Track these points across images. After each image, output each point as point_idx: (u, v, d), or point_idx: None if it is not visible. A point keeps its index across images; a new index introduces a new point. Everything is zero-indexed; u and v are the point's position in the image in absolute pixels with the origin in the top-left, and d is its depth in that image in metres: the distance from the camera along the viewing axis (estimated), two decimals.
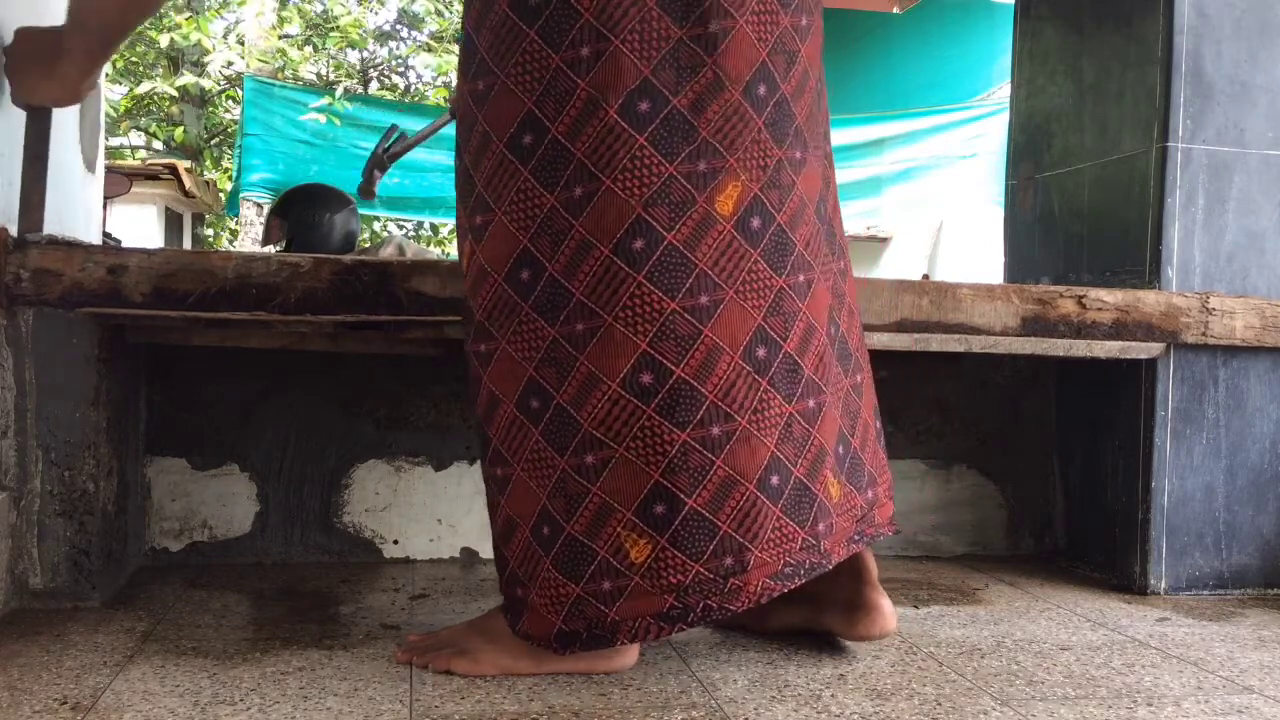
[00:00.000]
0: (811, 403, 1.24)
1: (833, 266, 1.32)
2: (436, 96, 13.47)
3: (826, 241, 1.31)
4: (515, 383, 1.22)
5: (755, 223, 1.21)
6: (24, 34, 1.46)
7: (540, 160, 1.19)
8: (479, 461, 1.30)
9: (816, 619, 1.40)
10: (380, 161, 1.47)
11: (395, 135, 1.44)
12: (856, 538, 1.32)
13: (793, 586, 1.22)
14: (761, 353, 1.21)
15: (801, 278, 1.24)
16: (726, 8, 1.19)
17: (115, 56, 12.21)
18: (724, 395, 1.19)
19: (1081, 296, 1.79)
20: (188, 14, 12.01)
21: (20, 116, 1.53)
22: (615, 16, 1.17)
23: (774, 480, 1.21)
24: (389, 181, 5.70)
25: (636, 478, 1.18)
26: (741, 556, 1.19)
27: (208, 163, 13.82)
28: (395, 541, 1.90)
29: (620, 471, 1.18)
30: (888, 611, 1.34)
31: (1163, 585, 1.85)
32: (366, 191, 1.45)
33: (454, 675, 1.28)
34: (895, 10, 7.15)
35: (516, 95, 1.20)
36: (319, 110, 7.13)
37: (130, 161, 11.23)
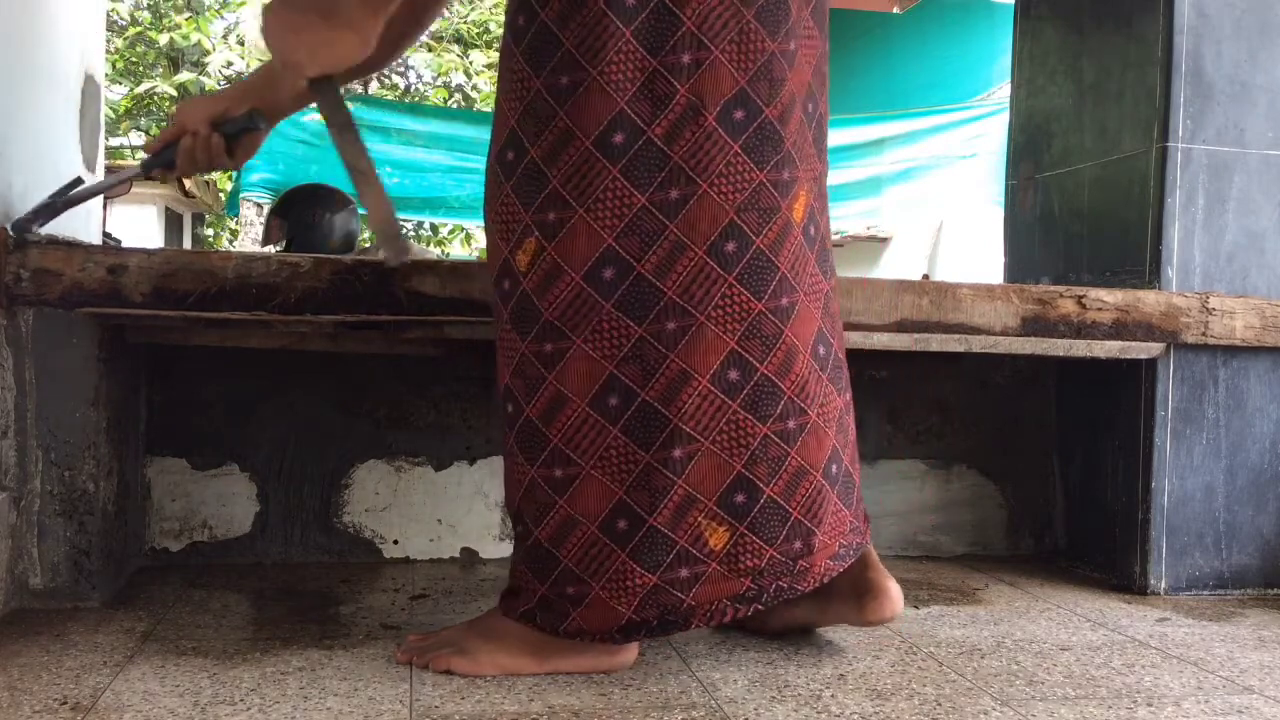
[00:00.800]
0: (842, 401, 1.35)
1: (823, 286, 1.35)
2: (436, 96, 13.47)
3: (819, 261, 1.34)
4: (591, 381, 1.23)
5: (812, 230, 1.31)
6: None
7: (632, 160, 1.21)
8: (526, 467, 1.27)
9: (823, 611, 1.42)
10: (52, 206, 1.42)
11: (72, 181, 1.41)
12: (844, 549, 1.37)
13: (845, 567, 1.31)
14: (822, 351, 1.30)
15: (830, 285, 1.36)
16: (798, 29, 1.26)
17: (115, 57, 12.21)
18: (799, 392, 1.26)
19: (1081, 296, 1.79)
20: (188, 14, 12.01)
21: (22, 115, 1.53)
22: (716, 27, 1.20)
23: (834, 469, 1.30)
24: (389, 182, 5.70)
25: (720, 469, 1.23)
26: (809, 540, 1.27)
27: None
28: (395, 541, 1.90)
29: (705, 464, 1.23)
30: (895, 594, 1.36)
31: (1163, 585, 1.85)
32: (23, 231, 1.36)
33: (454, 675, 1.28)
34: (895, 10, 7.15)
35: (609, 94, 1.20)
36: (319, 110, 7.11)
37: (130, 161, 11.23)
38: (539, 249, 1.23)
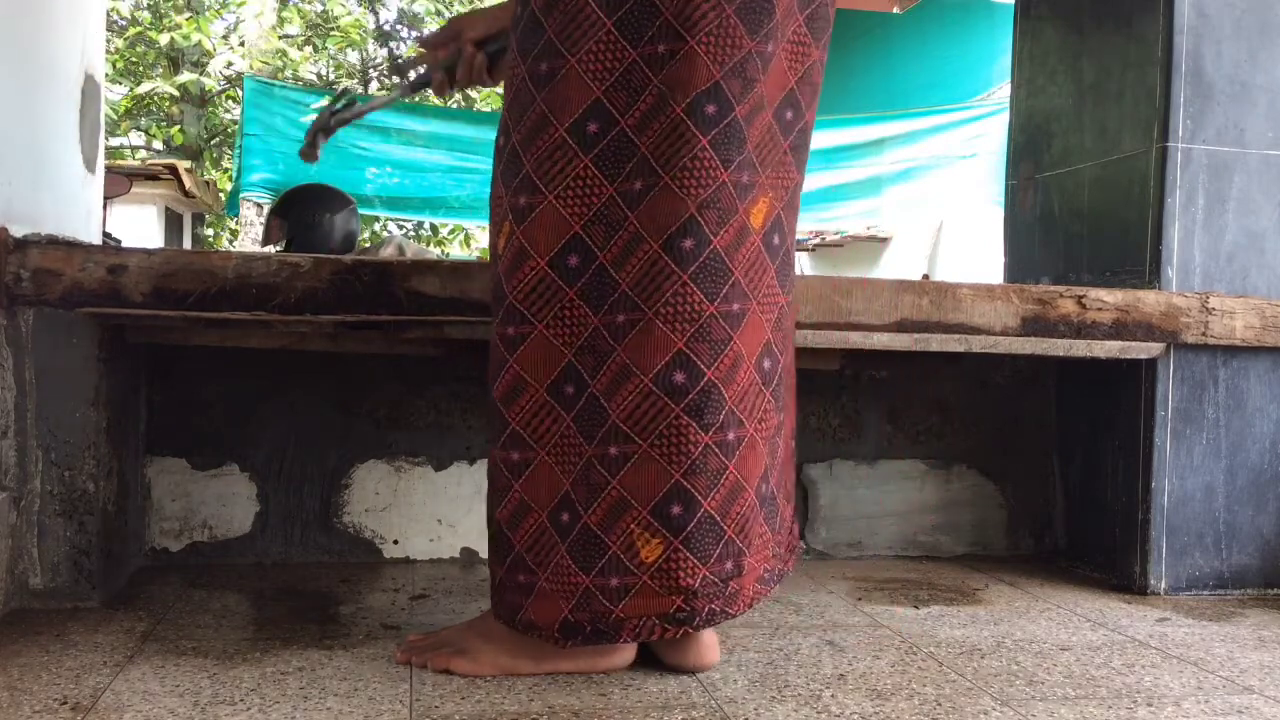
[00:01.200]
0: (780, 419, 1.31)
1: (780, 299, 1.32)
2: (435, 96, 13.44)
3: (780, 274, 1.31)
4: (550, 368, 1.22)
5: (775, 240, 1.28)
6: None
7: (604, 150, 1.20)
8: (489, 446, 1.30)
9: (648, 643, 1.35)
10: (326, 125, 1.45)
11: (344, 99, 1.42)
12: (768, 576, 1.31)
13: (768, 593, 1.26)
14: (766, 365, 1.27)
15: (788, 299, 1.31)
16: (780, 32, 1.23)
17: (115, 57, 12.21)
18: (739, 402, 1.22)
19: (1081, 296, 1.79)
20: (188, 14, 12.01)
21: (22, 115, 1.53)
22: (694, 18, 1.18)
23: (763, 488, 1.24)
24: (389, 182, 5.70)
25: (658, 476, 1.19)
26: (740, 561, 1.22)
27: (208, 163, 13.82)
28: (395, 541, 1.90)
29: (642, 468, 1.19)
30: (706, 645, 1.30)
31: (1163, 585, 1.85)
32: (308, 155, 1.41)
33: (453, 675, 1.28)
34: (895, 10, 7.15)
35: (586, 82, 1.20)
36: (319, 110, 7.12)
37: (130, 161, 11.23)
38: (510, 232, 1.24)
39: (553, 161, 1.21)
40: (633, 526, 1.19)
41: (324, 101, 7.22)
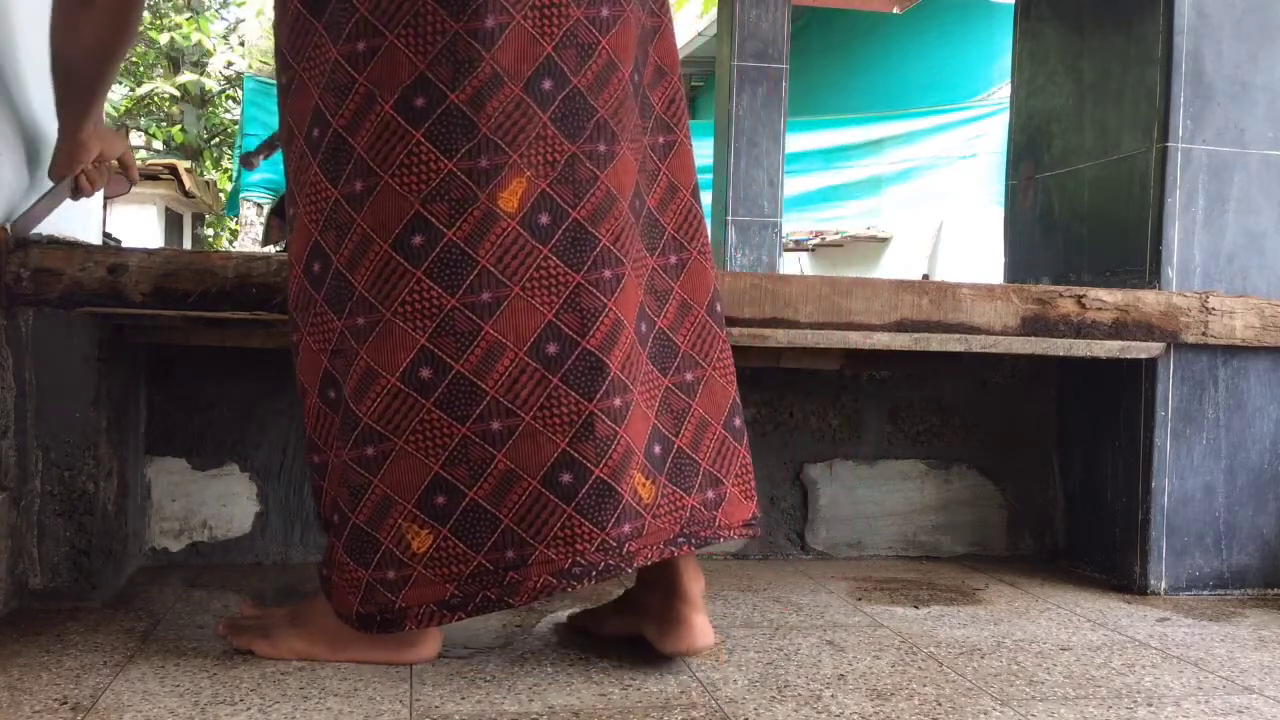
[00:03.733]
0: (618, 401, 1.21)
1: (649, 261, 1.29)
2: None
3: (644, 235, 1.28)
4: (316, 373, 1.25)
5: (544, 219, 1.19)
6: None
7: (325, 154, 1.20)
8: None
9: (637, 628, 1.37)
10: (273, 144, 1.52)
11: None
12: (682, 539, 1.28)
13: (581, 586, 1.21)
14: (552, 349, 1.19)
15: (608, 273, 1.21)
16: (503, 3, 1.17)
17: None
18: (506, 391, 1.18)
19: (1081, 296, 1.79)
20: (188, 14, 12.02)
21: (21, 116, 1.53)
22: (389, 11, 1.16)
23: (565, 478, 1.19)
24: None
25: (417, 469, 1.19)
26: (523, 551, 1.19)
27: (208, 163, 13.82)
28: None
29: (401, 464, 1.19)
30: (699, 628, 1.29)
31: (1163, 585, 1.85)
32: (248, 162, 1.53)
33: (321, 661, 1.31)
34: (895, 10, 7.15)
35: (309, 89, 1.21)
36: None
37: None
38: (289, 244, 1.27)
39: (300, 172, 1.24)
40: (400, 520, 1.20)
41: None
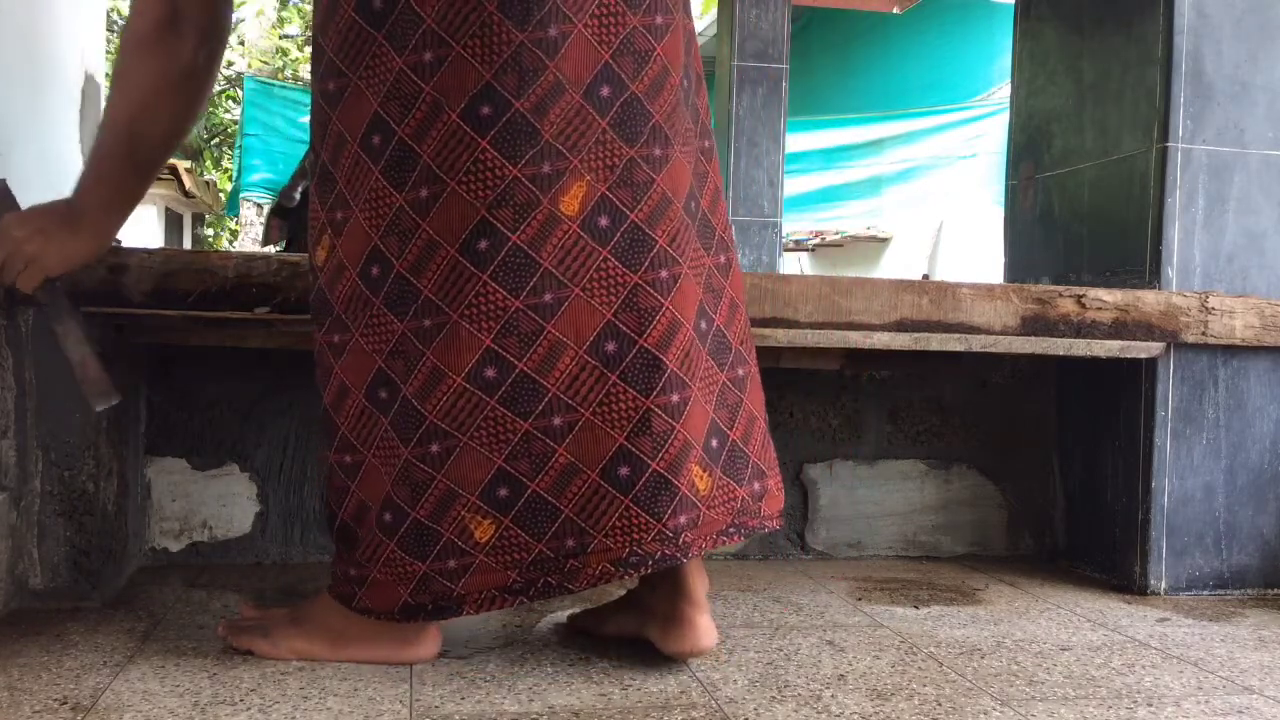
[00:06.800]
0: (675, 397, 1.24)
1: (705, 261, 1.32)
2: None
3: (699, 236, 1.32)
4: (364, 374, 1.26)
5: (604, 221, 1.23)
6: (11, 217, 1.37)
7: (389, 161, 1.22)
8: (322, 451, 1.34)
9: (641, 628, 1.38)
10: (306, 171, 1.49)
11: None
12: (733, 529, 1.32)
13: (639, 574, 1.26)
14: (611, 347, 1.23)
15: (664, 273, 1.25)
16: (566, 11, 1.21)
17: (115, 57, 12.24)
18: (567, 388, 1.22)
19: (1081, 296, 1.79)
20: None
21: (23, 116, 1.53)
22: (456, 22, 1.19)
23: (622, 471, 1.22)
24: None
25: (481, 464, 1.22)
26: (582, 540, 1.23)
27: (208, 163, 13.82)
28: None
29: (465, 459, 1.23)
30: (703, 629, 1.31)
31: (1163, 585, 1.85)
32: (288, 197, 1.46)
33: (319, 659, 1.31)
34: (895, 10, 7.16)
35: (367, 97, 1.23)
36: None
37: None
38: (332, 246, 1.28)
39: (355, 177, 1.25)
40: (463, 512, 1.23)
41: None
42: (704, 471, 1.28)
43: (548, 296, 1.21)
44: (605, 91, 1.23)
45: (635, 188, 1.24)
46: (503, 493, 1.23)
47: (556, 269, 1.21)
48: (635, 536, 1.23)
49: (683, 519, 1.24)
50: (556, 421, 1.22)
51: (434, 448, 1.23)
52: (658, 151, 1.26)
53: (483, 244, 1.20)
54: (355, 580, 1.30)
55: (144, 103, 1.33)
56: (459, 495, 1.23)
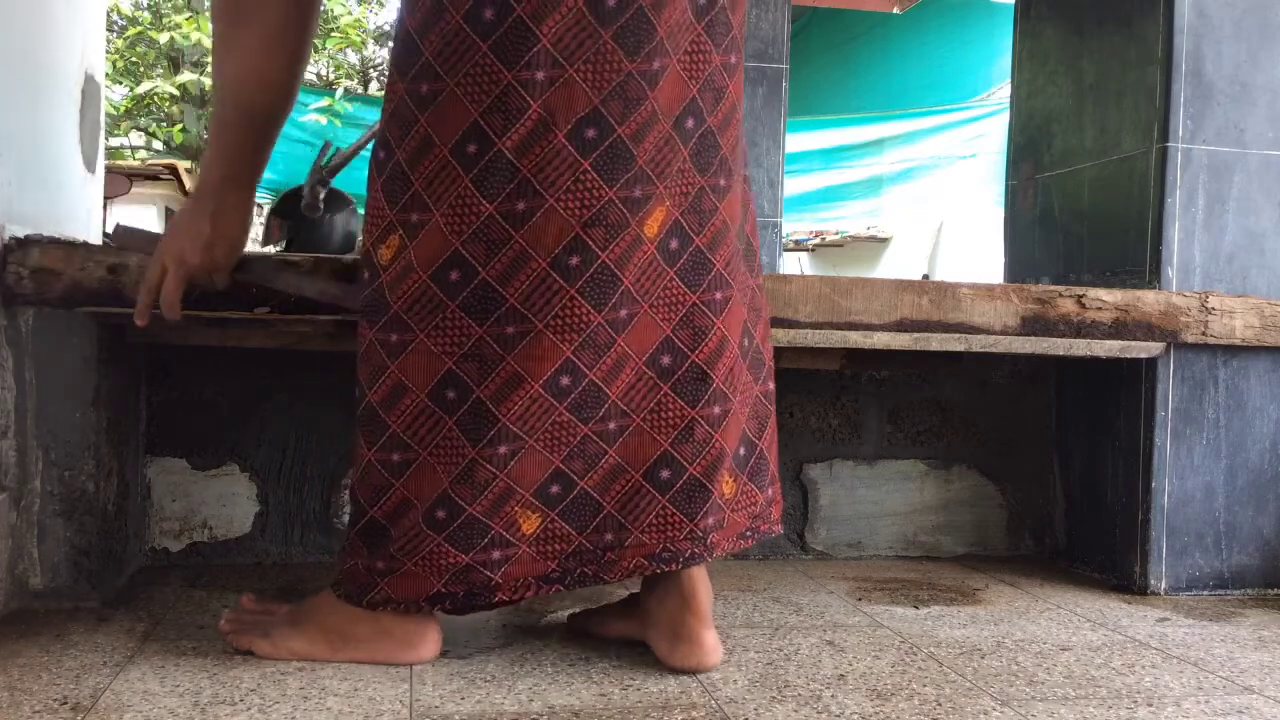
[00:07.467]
0: (718, 409, 1.33)
1: (750, 283, 1.40)
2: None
3: (745, 260, 1.40)
4: (431, 375, 1.27)
5: (674, 244, 1.30)
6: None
7: (482, 170, 1.23)
8: (359, 449, 1.33)
9: (642, 635, 1.39)
10: (321, 179, 1.49)
11: (331, 151, 1.47)
12: (749, 533, 1.39)
13: (669, 570, 1.31)
14: (666, 361, 1.31)
15: (719, 295, 1.33)
16: (668, 47, 1.26)
17: (115, 57, 12.22)
18: (624, 396, 1.29)
19: (1081, 296, 1.79)
20: (188, 14, 12.01)
21: (22, 116, 1.53)
22: (572, 46, 1.22)
23: (664, 474, 1.30)
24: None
25: (541, 465, 1.27)
26: (620, 535, 1.30)
27: None
28: None
29: (528, 460, 1.27)
30: (709, 646, 1.33)
31: (1163, 585, 1.85)
32: (312, 209, 1.46)
33: (318, 658, 1.31)
34: (895, 10, 7.16)
35: (465, 105, 1.23)
36: (319, 111, 7.12)
37: (130, 161, 11.22)
38: (401, 246, 1.28)
39: (439, 181, 1.25)
40: (515, 507, 1.27)
41: (324, 101, 7.21)
42: (731, 478, 1.36)
43: (623, 312, 1.27)
44: (689, 123, 1.30)
45: (702, 214, 1.32)
46: (555, 490, 1.28)
47: (634, 287, 1.28)
48: (670, 534, 1.30)
49: (711, 520, 1.32)
50: (611, 426, 1.29)
51: (502, 449, 1.26)
52: (722, 182, 1.33)
53: (574, 260, 1.24)
54: (381, 573, 1.29)
55: (248, 67, 1.33)
56: (515, 493, 1.27)
